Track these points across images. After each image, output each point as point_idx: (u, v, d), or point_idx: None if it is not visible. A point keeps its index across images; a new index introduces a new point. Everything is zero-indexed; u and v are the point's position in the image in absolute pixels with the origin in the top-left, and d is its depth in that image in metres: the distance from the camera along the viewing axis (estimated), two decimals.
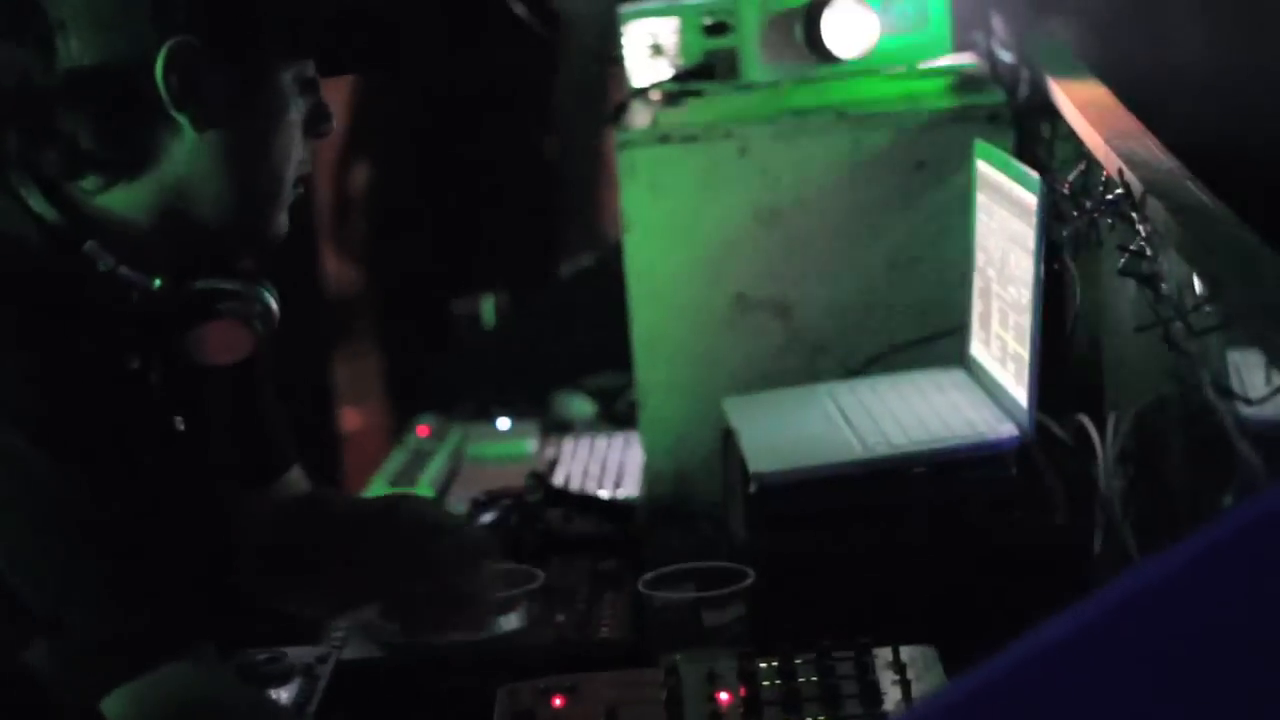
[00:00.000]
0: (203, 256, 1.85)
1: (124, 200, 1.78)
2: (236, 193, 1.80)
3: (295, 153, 1.84)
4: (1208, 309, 1.71)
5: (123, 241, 1.78)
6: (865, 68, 2.68)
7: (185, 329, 1.83)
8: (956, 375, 2.45)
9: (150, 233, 1.79)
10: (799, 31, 2.66)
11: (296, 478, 2.13)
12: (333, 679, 2.12)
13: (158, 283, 1.80)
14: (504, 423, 3.12)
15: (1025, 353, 2.19)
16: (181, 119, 1.74)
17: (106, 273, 1.77)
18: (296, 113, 1.82)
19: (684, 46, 2.74)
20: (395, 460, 3.03)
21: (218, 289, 1.84)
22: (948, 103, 2.62)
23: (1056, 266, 2.28)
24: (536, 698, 1.88)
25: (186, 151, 1.76)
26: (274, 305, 1.88)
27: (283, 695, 2.07)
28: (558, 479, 2.77)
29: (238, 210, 1.82)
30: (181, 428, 1.90)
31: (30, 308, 1.70)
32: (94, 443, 1.70)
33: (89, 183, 1.76)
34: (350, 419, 4.70)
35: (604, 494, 2.72)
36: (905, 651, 1.88)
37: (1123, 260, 1.93)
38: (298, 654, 2.13)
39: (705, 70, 2.72)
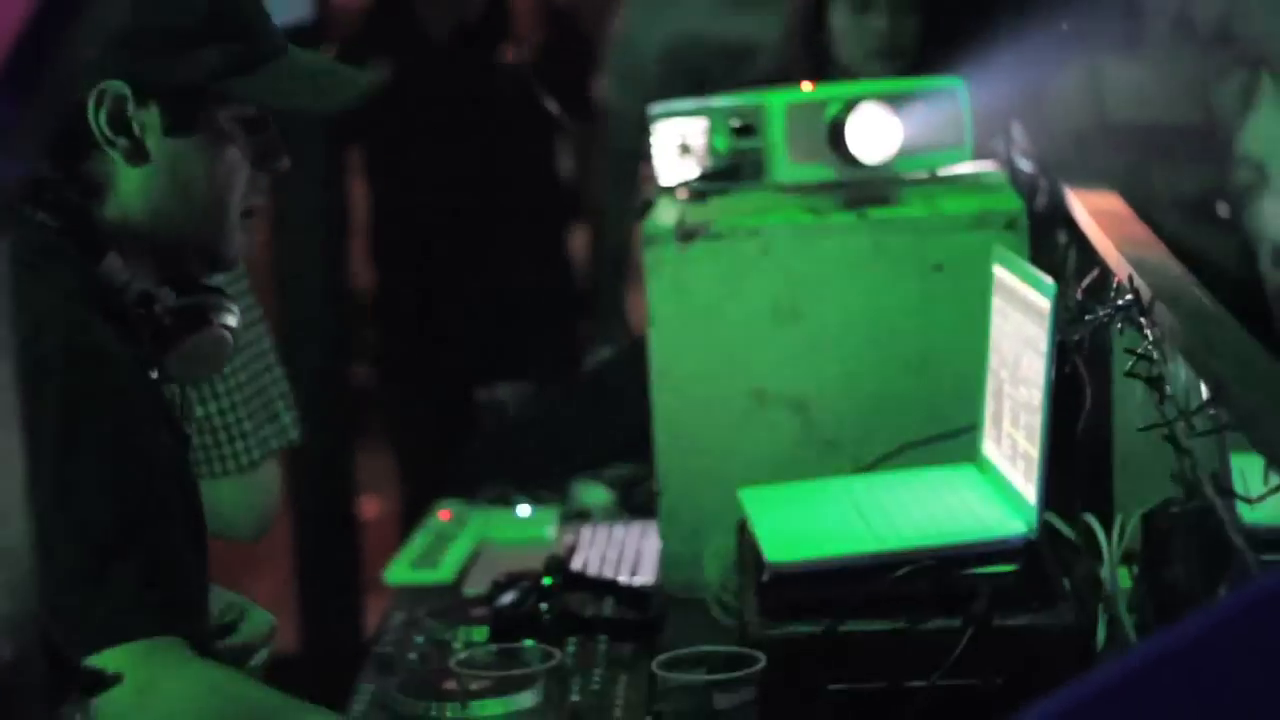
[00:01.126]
0: (173, 277, 2.02)
1: (113, 224, 1.97)
2: (183, 222, 1.99)
3: (238, 185, 2.01)
4: (1211, 411, 1.77)
5: (130, 261, 1.98)
6: (888, 172, 2.75)
7: (187, 340, 1.99)
8: (968, 472, 2.49)
9: (138, 256, 1.98)
10: (824, 135, 2.73)
11: None
12: None
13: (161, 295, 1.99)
14: (524, 509, 3.17)
15: (1035, 452, 2.23)
16: (114, 155, 1.93)
17: (124, 284, 1.95)
18: (238, 149, 1.99)
19: (712, 146, 2.81)
20: (417, 543, 3.08)
21: (205, 304, 2.02)
22: (967, 208, 2.68)
23: (1068, 369, 2.33)
24: None
25: (134, 184, 1.96)
26: (236, 318, 2.05)
27: None
28: (576, 564, 2.82)
29: (188, 238, 2.00)
30: (190, 433, 2.07)
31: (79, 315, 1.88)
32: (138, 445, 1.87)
33: (69, 204, 1.95)
34: (372, 503, 4.75)
35: (621, 579, 2.77)
36: None
37: (1131, 363, 1.99)
38: None
39: (732, 170, 2.79)
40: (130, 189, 1.96)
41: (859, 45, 3.52)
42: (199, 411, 2.46)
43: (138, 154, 1.95)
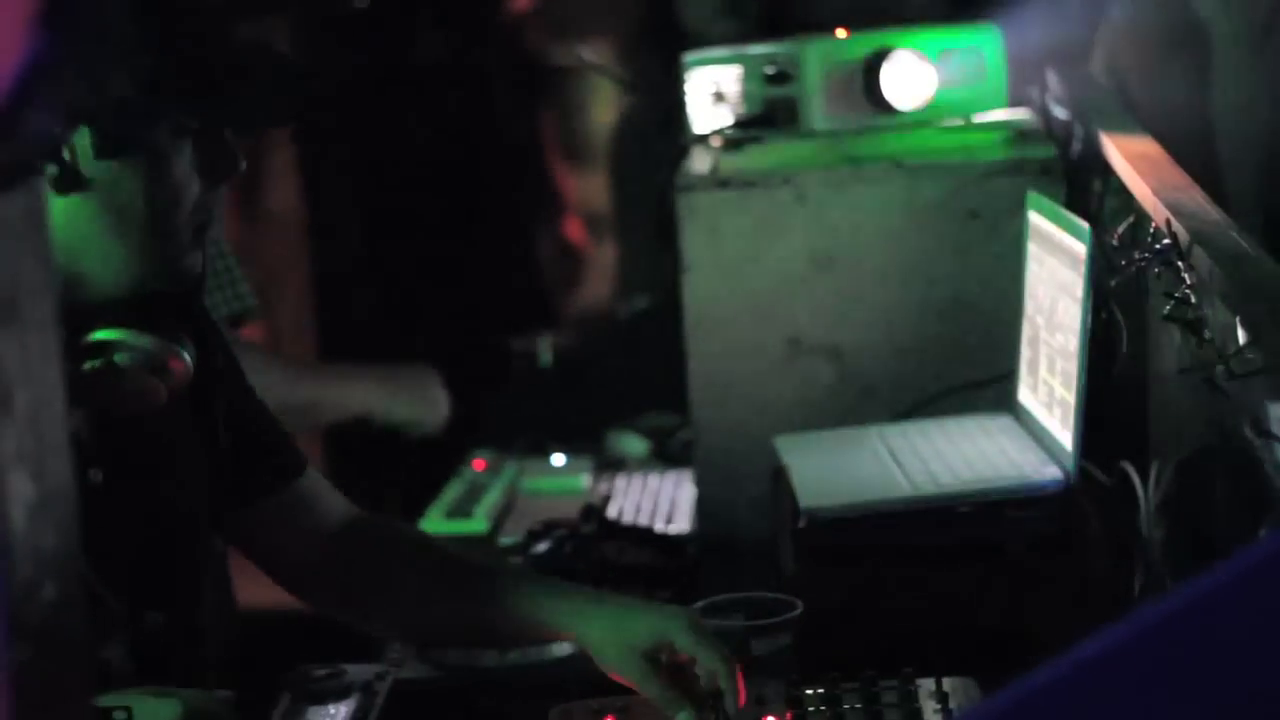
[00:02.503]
0: (107, 307, 1.83)
1: None
2: (121, 252, 1.80)
3: (185, 202, 1.82)
4: (1249, 354, 1.77)
5: None
6: (922, 119, 2.74)
7: (83, 381, 1.80)
8: (1003, 420, 2.50)
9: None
10: (859, 83, 2.72)
11: (315, 478, 2.17)
12: (390, 697, 2.16)
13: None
14: (559, 459, 3.18)
15: (1071, 399, 2.23)
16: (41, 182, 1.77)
17: None
18: (181, 163, 1.81)
19: (746, 94, 2.80)
20: (451, 492, 3.09)
21: (112, 341, 1.81)
22: (1002, 155, 2.67)
23: (1104, 315, 2.33)
24: (589, 717, 1.93)
25: (61, 214, 1.75)
26: (178, 350, 1.85)
27: (341, 711, 2.12)
28: (611, 513, 2.82)
29: (129, 265, 1.81)
30: (99, 479, 1.88)
31: None
32: None
33: None
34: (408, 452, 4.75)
35: (657, 527, 2.77)
36: (948, 683, 1.93)
37: (1169, 306, 1.99)
38: (356, 671, 2.17)
39: (766, 118, 2.78)
40: (53, 220, 1.65)
41: (703, 5, 3.60)
42: None
43: (68, 181, 1.75)
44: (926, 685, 1.92)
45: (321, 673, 2.15)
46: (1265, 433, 1.77)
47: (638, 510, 2.89)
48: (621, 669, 1.94)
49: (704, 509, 2.73)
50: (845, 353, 2.67)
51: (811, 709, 1.90)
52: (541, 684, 2.17)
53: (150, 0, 1.71)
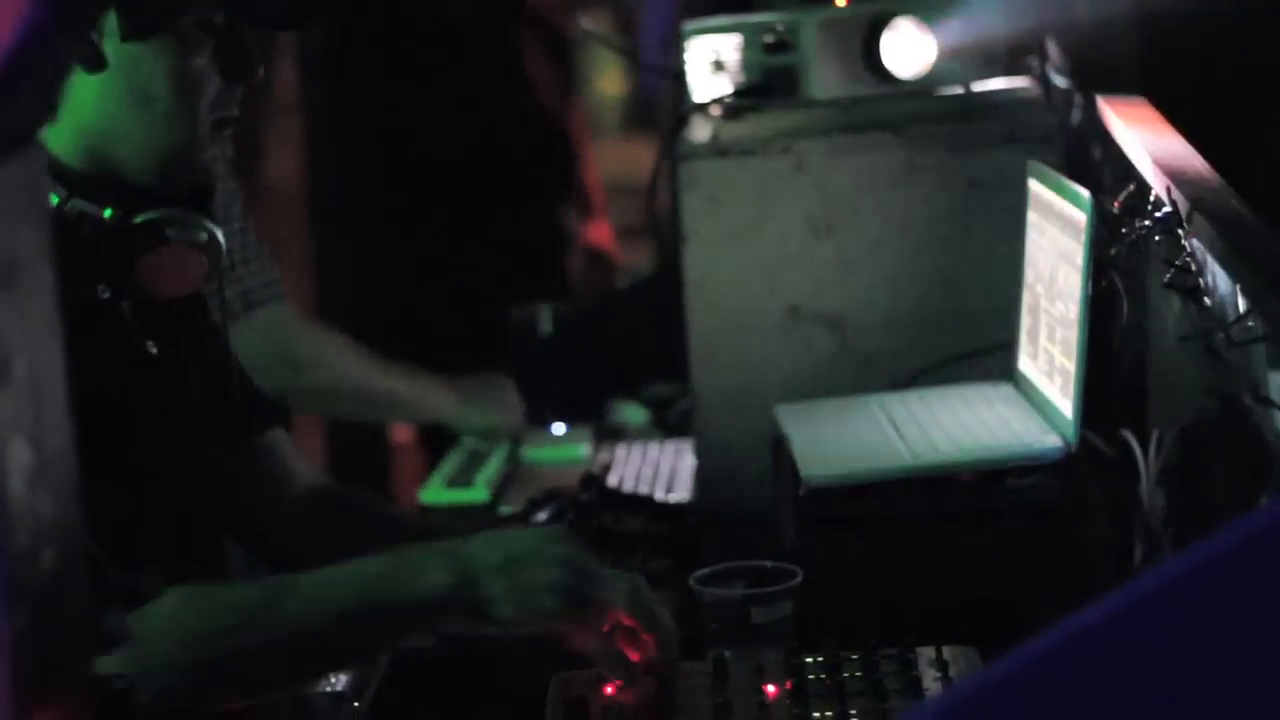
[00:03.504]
0: (143, 193, 1.91)
1: (57, 141, 1.87)
2: (145, 133, 1.89)
3: (205, 94, 1.90)
4: (1249, 322, 1.76)
5: (70, 179, 1.88)
6: (922, 88, 2.74)
7: (139, 257, 1.89)
8: (1004, 389, 2.49)
9: (84, 174, 1.88)
10: (858, 51, 2.72)
11: (281, 439, 2.20)
12: (389, 667, 2.17)
13: (108, 213, 1.88)
14: (559, 428, 3.18)
15: (1072, 367, 2.23)
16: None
17: (56, 206, 1.85)
18: (202, 57, 1.89)
19: (745, 63, 2.80)
20: (451, 461, 3.09)
21: (163, 218, 1.91)
22: (1002, 124, 2.67)
23: (1104, 283, 2.33)
24: (589, 686, 1.93)
25: (91, 93, 1.86)
26: (219, 234, 1.95)
27: (341, 681, 2.12)
28: (611, 482, 2.82)
29: (152, 150, 1.90)
30: (155, 350, 1.98)
31: None
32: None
33: None
34: (403, 428, 4.74)
35: (657, 496, 2.77)
36: (948, 651, 1.93)
37: (1169, 274, 1.98)
38: None
39: (765, 87, 2.78)
40: (84, 100, 1.87)
41: None
42: None
43: (94, 60, 1.85)
44: (926, 654, 1.92)
45: None
46: (1265, 400, 1.77)
47: (638, 479, 2.90)
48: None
49: (704, 478, 2.73)
50: (845, 321, 2.67)
51: (811, 677, 1.89)
52: (541, 652, 2.17)
53: None
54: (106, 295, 1.90)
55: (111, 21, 1.84)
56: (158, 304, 1.96)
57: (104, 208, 1.88)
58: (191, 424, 2.03)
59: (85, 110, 1.87)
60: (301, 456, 2.24)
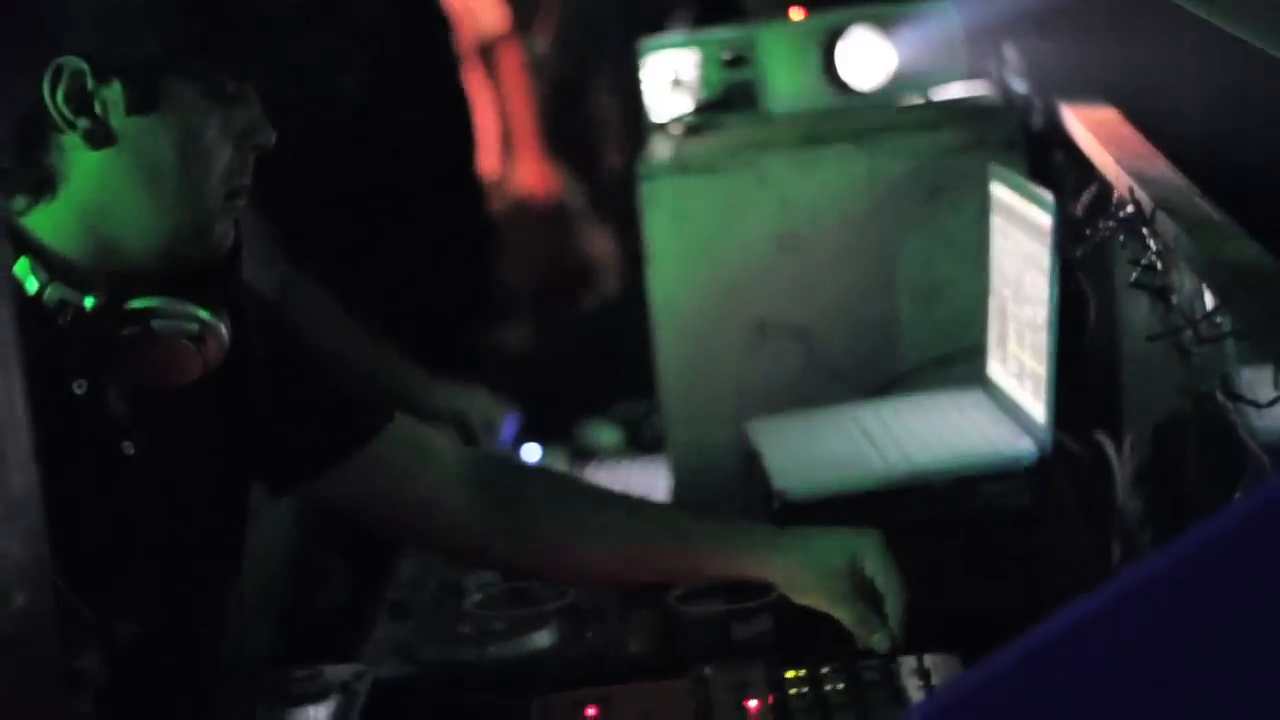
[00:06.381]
0: (142, 278, 1.81)
1: (49, 222, 1.78)
2: (152, 211, 1.79)
3: (216, 166, 1.80)
4: (1217, 319, 1.76)
5: (56, 264, 1.77)
6: (882, 98, 2.74)
7: (120, 348, 1.79)
8: (975, 395, 2.49)
9: (82, 256, 1.78)
10: (816, 64, 2.72)
11: (396, 435, 2.08)
12: (369, 696, 2.15)
13: (89, 301, 1.77)
14: (532, 450, 3.17)
15: (1042, 371, 2.23)
16: (75, 138, 1.75)
17: (35, 294, 1.76)
18: (215, 126, 1.79)
19: (704, 79, 2.80)
20: None
21: (151, 307, 1.80)
22: (963, 131, 2.67)
23: (1071, 286, 2.32)
24: (570, 709, 1.92)
25: (93, 171, 1.77)
26: (213, 320, 1.82)
27: (321, 713, 2.11)
28: None
29: (159, 228, 1.79)
30: (131, 451, 1.85)
31: None
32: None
33: (16, 203, 1.76)
34: None
35: None
36: (930, 660, 1.92)
37: (1135, 274, 1.98)
38: (334, 672, 2.15)
39: (725, 102, 2.78)
40: (85, 178, 1.76)
41: None
42: None
43: (100, 135, 1.75)
44: (908, 663, 1.91)
45: (300, 674, 2.14)
46: (1235, 396, 1.76)
47: None
48: (818, 594, 1.98)
49: (679, 495, 2.73)
50: (813, 333, 2.67)
51: (793, 691, 1.88)
52: (522, 677, 2.16)
53: None
54: (81, 391, 1.80)
55: (115, 93, 1.75)
56: (157, 395, 1.85)
57: (96, 293, 1.78)
58: (181, 514, 1.92)
59: (86, 188, 1.77)
60: (434, 435, 2.14)
